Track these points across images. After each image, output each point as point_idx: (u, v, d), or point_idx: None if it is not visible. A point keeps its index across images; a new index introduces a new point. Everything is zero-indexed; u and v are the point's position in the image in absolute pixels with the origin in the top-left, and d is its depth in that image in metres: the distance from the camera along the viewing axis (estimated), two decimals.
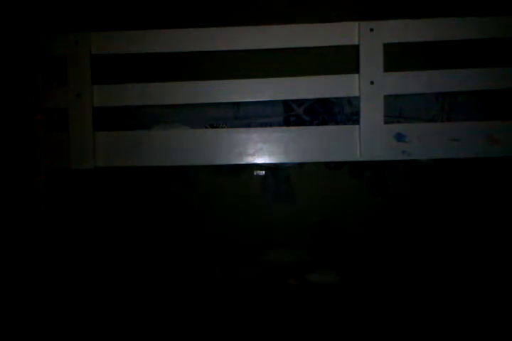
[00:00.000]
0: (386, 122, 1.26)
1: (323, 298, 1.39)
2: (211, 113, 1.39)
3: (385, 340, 1.35)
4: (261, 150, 1.29)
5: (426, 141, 1.26)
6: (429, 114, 1.36)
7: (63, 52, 1.29)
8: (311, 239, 1.45)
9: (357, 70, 1.25)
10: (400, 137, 1.26)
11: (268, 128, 1.32)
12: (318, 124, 1.38)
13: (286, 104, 1.37)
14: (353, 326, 1.40)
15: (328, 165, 1.43)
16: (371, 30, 1.24)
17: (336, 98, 1.36)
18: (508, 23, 1.24)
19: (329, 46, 1.28)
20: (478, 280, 1.39)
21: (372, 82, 1.24)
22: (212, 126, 1.39)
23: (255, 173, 1.45)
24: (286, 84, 1.29)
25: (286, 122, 1.38)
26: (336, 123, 1.38)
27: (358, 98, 1.26)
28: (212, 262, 1.45)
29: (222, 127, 1.39)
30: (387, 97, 1.26)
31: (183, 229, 1.45)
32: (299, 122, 1.38)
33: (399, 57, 1.29)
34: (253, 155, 1.30)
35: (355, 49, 1.25)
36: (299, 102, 1.37)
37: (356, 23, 1.25)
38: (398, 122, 1.34)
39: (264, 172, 1.45)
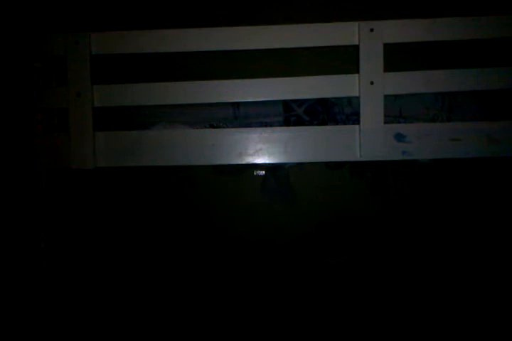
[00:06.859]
0: (386, 122, 1.26)
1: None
2: (211, 113, 1.39)
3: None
4: (261, 150, 1.30)
5: (426, 141, 1.26)
6: (429, 114, 1.36)
7: (63, 52, 1.29)
8: (311, 240, 1.45)
9: (357, 70, 1.25)
10: (400, 137, 1.26)
11: (268, 128, 1.32)
12: (318, 124, 1.38)
13: (286, 104, 1.37)
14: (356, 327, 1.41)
15: (328, 165, 1.43)
16: (371, 30, 1.24)
17: (336, 98, 1.36)
18: (508, 23, 1.24)
19: (329, 46, 1.28)
20: (478, 280, 1.39)
21: (372, 82, 1.24)
22: (212, 126, 1.39)
23: (255, 173, 1.45)
24: (286, 84, 1.29)
25: (286, 122, 1.38)
26: (336, 123, 1.38)
27: (358, 98, 1.26)
28: (212, 261, 1.45)
29: (222, 127, 1.39)
30: (387, 97, 1.26)
31: (183, 229, 1.45)
32: (299, 122, 1.38)
33: (399, 57, 1.29)
34: (253, 155, 1.30)
35: (355, 49, 1.25)
36: (299, 102, 1.37)
37: (356, 23, 1.25)
38: (398, 122, 1.35)
39: (264, 172, 1.45)
